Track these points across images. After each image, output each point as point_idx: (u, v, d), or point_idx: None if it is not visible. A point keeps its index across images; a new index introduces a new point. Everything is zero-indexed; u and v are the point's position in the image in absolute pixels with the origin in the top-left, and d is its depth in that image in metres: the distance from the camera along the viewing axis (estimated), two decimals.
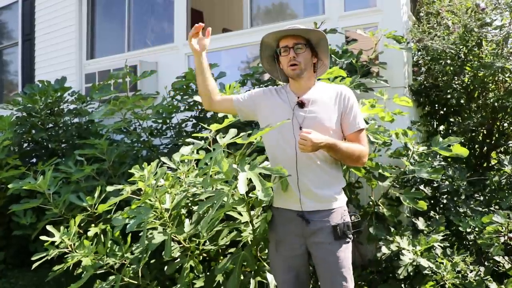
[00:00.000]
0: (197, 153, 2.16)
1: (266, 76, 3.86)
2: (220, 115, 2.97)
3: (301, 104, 1.85)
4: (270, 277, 2.18)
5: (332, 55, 3.26)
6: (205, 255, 2.34)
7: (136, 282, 2.35)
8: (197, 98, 3.29)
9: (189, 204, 2.36)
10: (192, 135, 2.33)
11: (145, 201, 2.09)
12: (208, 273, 2.28)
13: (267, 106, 1.93)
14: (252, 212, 2.09)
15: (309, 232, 1.83)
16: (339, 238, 1.81)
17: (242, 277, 2.11)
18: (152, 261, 2.56)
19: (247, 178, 1.68)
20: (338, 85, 1.95)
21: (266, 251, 2.25)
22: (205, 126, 2.15)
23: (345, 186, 1.94)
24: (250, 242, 2.19)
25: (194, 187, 2.27)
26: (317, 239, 1.82)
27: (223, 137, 1.86)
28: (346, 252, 1.84)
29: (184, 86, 3.62)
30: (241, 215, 2.21)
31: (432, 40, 3.47)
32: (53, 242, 2.38)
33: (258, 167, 1.76)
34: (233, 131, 2.13)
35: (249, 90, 3.70)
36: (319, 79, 2.00)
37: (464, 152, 2.33)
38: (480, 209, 2.98)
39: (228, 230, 2.29)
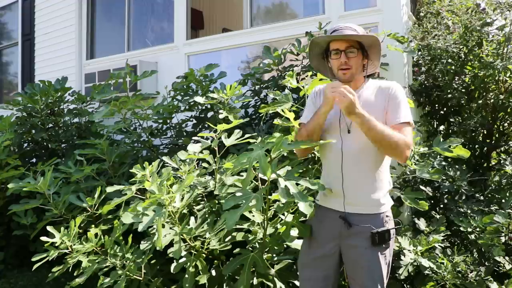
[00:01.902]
0: (201, 152, 2.15)
1: (267, 76, 3.84)
2: (220, 116, 2.96)
3: None
4: (278, 284, 2.15)
5: None
6: (207, 253, 2.33)
7: (140, 279, 2.34)
8: (197, 98, 3.28)
9: (191, 204, 2.36)
10: (198, 135, 2.32)
11: (155, 199, 2.06)
12: (210, 271, 2.27)
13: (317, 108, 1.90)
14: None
15: (347, 234, 1.79)
16: (377, 245, 1.76)
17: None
18: (153, 261, 2.55)
19: (286, 187, 1.66)
20: (386, 81, 1.86)
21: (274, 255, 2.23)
22: (207, 126, 2.14)
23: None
24: (258, 245, 2.16)
25: (196, 187, 2.26)
26: (354, 242, 1.78)
27: (228, 138, 1.84)
28: (381, 259, 1.78)
29: (185, 86, 3.61)
30: (253, 214, 2.17)
31: (434, 39, 3.47)
32: (53, 243, 2.37)
33: (304, 179, 1.72)
34: (237, 132, 2.11)
35: (249, 90, 3.75)
36: (367, 76, 1.93)
37: (465, 153, 2.31)
38: (481, 208, 2.98)
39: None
